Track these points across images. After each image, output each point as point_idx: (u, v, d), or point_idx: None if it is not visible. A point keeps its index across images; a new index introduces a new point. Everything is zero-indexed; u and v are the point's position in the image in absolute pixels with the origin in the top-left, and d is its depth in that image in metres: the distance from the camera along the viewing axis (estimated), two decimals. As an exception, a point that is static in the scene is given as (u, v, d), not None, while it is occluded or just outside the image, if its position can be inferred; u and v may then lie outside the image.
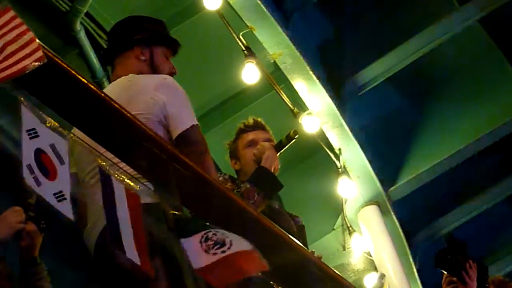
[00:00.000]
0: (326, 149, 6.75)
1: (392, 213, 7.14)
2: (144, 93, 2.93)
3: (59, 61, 2.23)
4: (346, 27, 6.73)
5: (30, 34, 1.93)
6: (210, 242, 2.23)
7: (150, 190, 2.52)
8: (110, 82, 3.30)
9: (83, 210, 2.88)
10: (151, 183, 2.53)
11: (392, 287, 6.46)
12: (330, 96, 6.50)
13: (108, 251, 2.41)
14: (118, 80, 3.13)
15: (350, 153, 6.81)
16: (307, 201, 7.02)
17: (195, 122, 2.92)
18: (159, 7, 6.11)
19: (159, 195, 2.50)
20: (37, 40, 1.94)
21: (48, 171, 2.01)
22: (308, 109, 6.44)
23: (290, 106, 6.33)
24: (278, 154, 4.00)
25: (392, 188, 7.17)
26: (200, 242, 2.23)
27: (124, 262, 2.22)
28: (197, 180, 2.57)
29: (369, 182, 6.99)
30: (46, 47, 2.11)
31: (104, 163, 2.28)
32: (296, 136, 4.07)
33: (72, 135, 2.29)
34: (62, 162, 2.05)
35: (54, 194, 1.99)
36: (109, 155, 2.44)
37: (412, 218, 7.48)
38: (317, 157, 7.13)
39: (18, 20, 1.94)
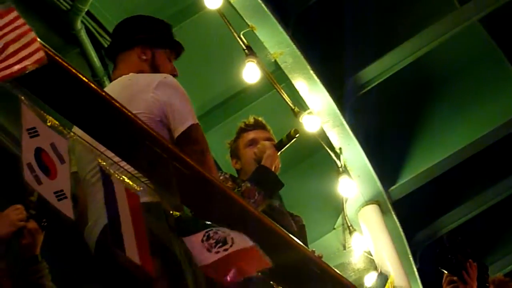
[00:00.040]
0: (327, 149, 6.75)
1: (393, 212, 7.15)
2: (144, 92, 2.93)
3: (60, 60, 2.23)
4: (347, 26, 6.73)
5: (32, 34, 1.93)
6: (211, 241, 2.24)
7: (150, 189, 2.52)
8: (111, 79, 3.30)
9: (84, 209, 2.88)
10: (152, 182, 2.53)
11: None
12: (331, 96, 6.51)
13: (109, 249, 2.41)
14: (119, 79, 3.13)
15: (351, 152, 6.81)
16: (308, 201, 7.02)
17: (196, 121, 2.92)
18: (160, 6, 6.11)
19: (160, 194, 2.50)
20: (39, 40, 1.94)
21: (49, 170, 2.01)
22: (308, 109, 6.44)
23: (291, 105, 6.33)
24: (279, 153, 4.00)
25: (393, 187, 7.18)
26: (202, 240, 2.24)
27: (125, 261, 2.23)
28: (197, 179, 2.57)
29: (369, 182, 7.00)
30: (47, 46, 2.11)
31: (105, 163, 2.28)
32: (297, 135, 4.07)
33: (72, 133, 2.29)
34: (62, 161, 2.05)
35: (55, 192, 1.99)
36: (110, 154, 2.44)
37: (413, 218, 7.49)
38: (318, 156, 7.14)
39: (21, 21, 1.94)
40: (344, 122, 6.64)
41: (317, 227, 7.12)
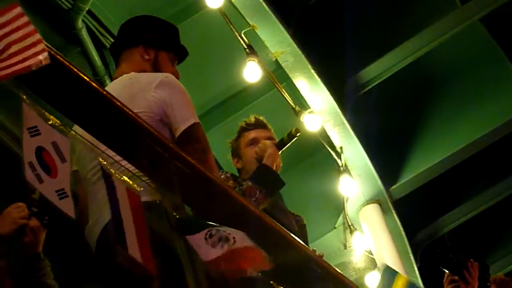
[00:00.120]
0: (328, 148, 6.75)
1: (393, 211, 7.15)
2: (145, 91, 2.93)
3: (61, 59, 2.23)
4: (348, 25, 6.73)
5: (37, 36, 1.93)
6: (214, 238, 2.25)
7: (151, 188, 2.53)
8: (112, 78, 3.30)
9: (85, 207, 2.88)
10: (153, 181, 2.53)
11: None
12: (332, 95, 6.51)
13: (110, 248, 2.42)
14: (120, 78, 3.13)
15: (352, 151, 6.82)
16: (309, 200, 7.02)
17: (197, 120, 2.91)
18: (161, 5, 6.11)
19: (161, 193, 2.51)
20: (44, 42, 1.94)
21: (50, 169, 2.02)
22: (309, 108, 6.45)
23: (292, 104, 6.34)
24: (280, 152, 4.00)
25: (393, 186, 7.18)
26: (205, 238, 2.25)
27: (124, 261, 2.23)
28: (199, 178, 2.58)
29: (370, 181, 7.00)
30: (48, 45, 2.11)
31: (105, 162, 2.28)
32: (298, 134, 4.07)
33: (73, 132, 2.30)
34: (63, 159, 2.05)
35: (56, 191, 2.00)
36: (111, 152, 2.44)
37: (413, 217, 7.49)
38: (319, 155, 7.14)
39: (25, 18, 1.94)
40: (345, 121, 6.65)
41: (318, 226, 7.12)
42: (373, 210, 7.09)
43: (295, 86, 6.44)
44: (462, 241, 3.62)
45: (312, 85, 6.42)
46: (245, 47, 5.94)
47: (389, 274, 3.49)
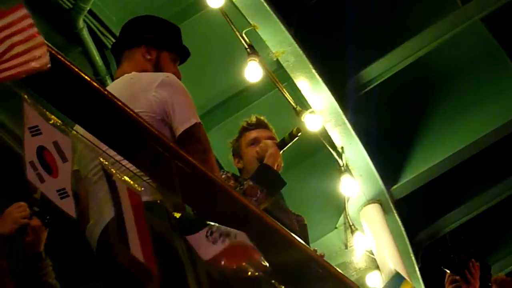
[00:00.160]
0: (329, 148, 6.75)
1: (394, 211, 7.15)
2: (146, 90, 2.93)
3: (62, 59, 2.23)
4: (349, 25, 6.73)
5: (39, 39, 1.93)
6: (215, 235, 2.26)
7: (152, 188, 2.52)
8: (113, 78, 3.29)
9: (85, 207, 2.88)
10: (154, 181, 2.53)
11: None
12: (333, 95, 6.51)
13: (111, 248, 2.42)
14: (121, 77, 3.13)
15: (353, 151, 6.82)
16: (310, 200, 7.02)
17: (198, 120, 2.91)
18: (162, 4, 6.11)
19: (162, 193, 2.50)
20: (45, 46, 1.94)
21: (51, 168, 2.01)
22: (310, 108, 6.45)
23: (293, 104, 6.34)
24: (281, 152, 4.00)
25: (395, 186, 7.18)
26: (207, 236, 2.26)
27: (124, 261, 2.23)
28: (200, 178, 2.57)
29: (371, 181, 7.00)
30: (49, 44, 2.10)
31: (106, 162, 2.28)
32: (299, 134, 4.06)
33: (74, 132, 2.30)
34: (64, 159, 2.05)
35: (57, 191, 1.99)
36: (112, 152, 2.44)
37: (414, 217, 7.49)
38: (320, 155, 7.14)
39: (29, 20, 1.93)
40: (346, 121, 6.65)
41: (319, 226, 7.12)
42: (374, 210, 7.09)
43: (296, 86, 6.44)
44: (464, 241, 3.62)
45: (313, 85, 6.42)
46: (246, 47, 5.94)
47: (398, 280, 3.49)
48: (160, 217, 2.45)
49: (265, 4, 5.90)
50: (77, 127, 2.48)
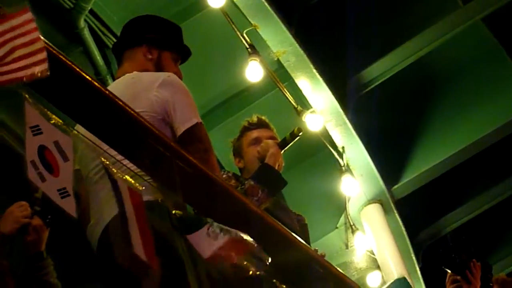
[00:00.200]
0: (330, 147, 6.75)
1: (395, 211, 7.15)
2: (148, 90, 2.93)
3: (63, 58, 2.23)
4: (350, 25, 6.73)
5: (40, 44, 1.93)
6: (216, 231, 2.27)
7: (153, 188, 2.52)
8: (114, 77, 3.29)
9: (86, 206, 2.88)
10: (155, 180, 2.53)
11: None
12: (334, 95, 6.51)
13: (111, 248, 2.42)
14: (122, 77, 3.13)
15: (353, 151, 6.82)
16: (310, 199, 7.02)
17: (199, 119, 2.91)
18: (163, 4, 6.11)
19: (163, 193, 2.50)
20: (45, 52, 1.94)
21: (52, 168, 2.02)
22: (311, 107, 6.45)
23: (294, 104, 6.34)
24: (282, 151, 4.00)
25: (395, 186, 7.18)
26: (208, 234, 2.27)
27: (124, 262, 2.23)
28: (200, 178, 2.57)
29: (372, 181, 7.00)
30: (50, 44, 2.11)
31: (107, 161, 2.29)
32: (300, 134, 4.07)
33: (76, 131, 2.30)
34: (65, 159, 2.05)
35: (58, 190, 2.00)
36: (113, 152, 2.44)
37: (415, 217, 7.49)
38: (320, 155, 7.13)
39: (33, 24, 1.94)
40: (347, 121, 6.65)
41: (320, 226, 7.12)
42: (375, 210, 7.09)
43: (297, 85, 6.44)
44: (465, 241, 3.61)
45: (314, 84, 6.42)
46: (247, 46, 5.94)
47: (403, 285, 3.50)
48: (161, 216, 2.45)
49: (266, 4, 5.90)
50: (78, 127, 2.49)
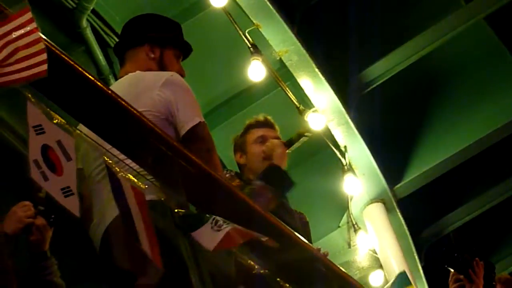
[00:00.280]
0: (332, 147, 6.75)
1: (398, 210, 7.15)
2: (151, 89, 2.93)
3: (66, 58, 2.23)
4: (352, 24, 6.73)
5: (41, 45, 1.93)
6: (220, 222, 2.28)
7: (156, 187, 2.52)
8: (117, 77, 3.29)
9: (89, 206, 2.88)
10: (158, 180, 2.53)
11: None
12: (336, 94, 6.50)
13: (114, 247, 2.42)
14: (125, 77, 3.13)
15: (356, 150, 6.81)
16: (313, 199, 7.02)
17: (202, 119, 2.91)
18: (165, 4, 6.11)
19: (166, 192, 2.51)
20: (45, 54, 1.94)
21: (55, 167, 2.02)
22: (313, 107, 6.44)
23: (296, 103, 6.34)
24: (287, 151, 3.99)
25: (398, 185, 7.18)
26: (212, 227, 2.28)
27: (124, 263, 2.23)
28: (203, 177, 2.57)
29: (374, 180, 7.00)
30: (53, 44, 2.11)
31: (110, 161, 2.29)
32: (306, 134, 4.07)
33: (78, 131, 2.30)
34: (68, 158, 2.05)
35: (61, 189, 2.00)
36: (115, 151, 2.44)
37: (417, 216, 7.49)
38: (323, 154, 7.13)
39: (34, 25, 1.94)
40: (349, 120, 6.64)
41: (322, 225, 7.12)
42: (377, 209, 7.09)
43: (299, 85, 6.44)
44: (468, 240, 3.61)
45: (316, 84, 6.42)
46: (249, 46, 5.94)
47: (402, 280, 3.50)
48: (164, 216, 2.46)
49: (268, 3, 5.90)
50: (81, 126, 2.49)
